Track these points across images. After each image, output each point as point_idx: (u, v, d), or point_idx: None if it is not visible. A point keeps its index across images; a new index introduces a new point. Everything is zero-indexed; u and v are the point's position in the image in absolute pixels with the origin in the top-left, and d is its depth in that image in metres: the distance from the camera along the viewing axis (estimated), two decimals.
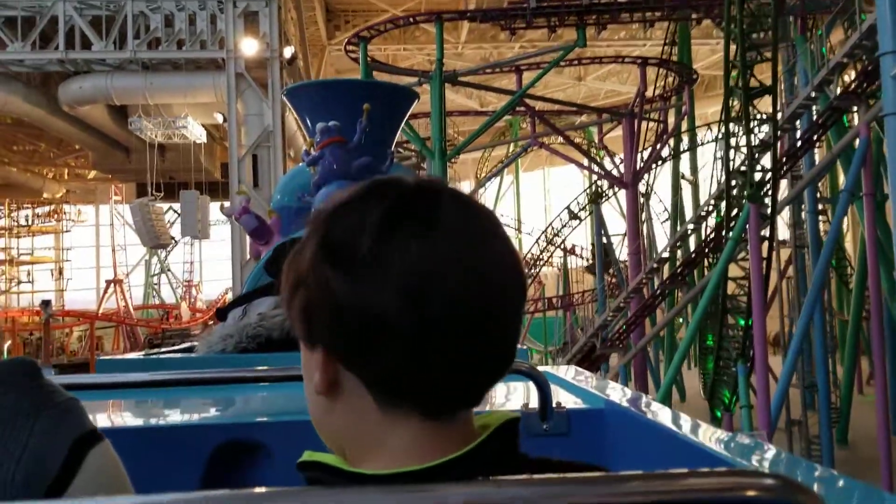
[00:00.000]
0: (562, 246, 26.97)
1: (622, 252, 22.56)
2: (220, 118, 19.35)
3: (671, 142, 19.93)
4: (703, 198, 22.39)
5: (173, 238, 26.18)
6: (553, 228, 26.55)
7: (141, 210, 21.53)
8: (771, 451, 1.15)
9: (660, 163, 20.02)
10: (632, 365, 18.06)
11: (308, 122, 6.29)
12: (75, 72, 18.76)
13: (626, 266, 23.46)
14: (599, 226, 22.49)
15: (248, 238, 7.41)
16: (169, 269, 38.62)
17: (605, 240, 22.55)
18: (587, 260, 30.43)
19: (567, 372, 2.01)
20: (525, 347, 28.92)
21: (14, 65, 18.73)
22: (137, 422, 1.84)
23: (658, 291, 17.12)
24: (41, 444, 0.74)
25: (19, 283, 38.44)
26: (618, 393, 1.69)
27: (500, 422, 0.71)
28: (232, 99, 17.87)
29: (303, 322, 0.69)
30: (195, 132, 20.01)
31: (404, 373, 0.65)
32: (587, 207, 24.59)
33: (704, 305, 12.42)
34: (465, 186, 30.52)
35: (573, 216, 25.50)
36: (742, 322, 11.81)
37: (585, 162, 21.51)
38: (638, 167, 18.47)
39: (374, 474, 0.66)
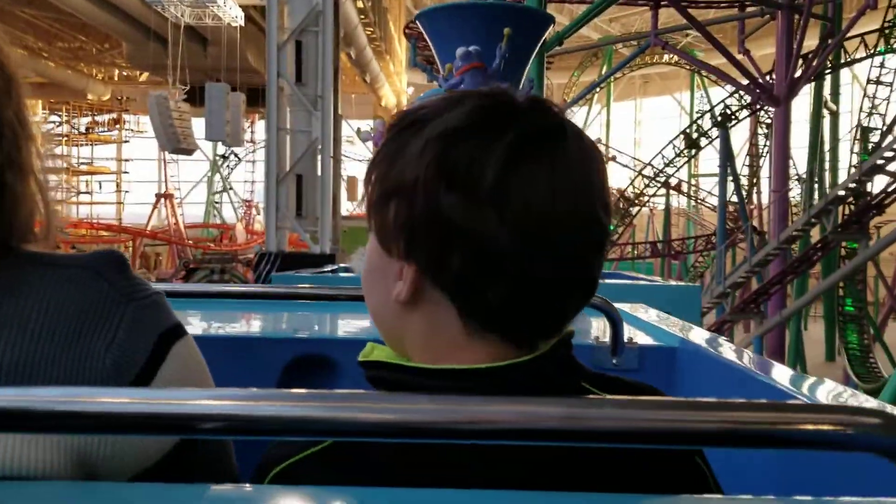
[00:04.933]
0: (668, 182, 22.72)
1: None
2: None
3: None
4: (842, 131, 17.86)
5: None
6: (662, 159, 22.17)
7: (158, 105, 17.73)
8: (865, 399, 0.97)
9: (826, 73, 15.36)
10: (766, 338, 13.91)
11: (440, 45, 6.28)
12: None
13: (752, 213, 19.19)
14: (726, 157, 18.13)
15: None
16: (231, 188, 36.38)
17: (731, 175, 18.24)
18: (697, 200, 26.24)
19: (642, 310, 1.99)
20: None
21: None
22: (216, 331, 1.84)
23: (821, 243, 13.07)
24: (130, 333, 0.73)
25: (78, 193, 36.61)
26: (693, 332, 1.64)
27: (557, 338, 0.70)
28: None
29: (399, 235, 0.68)
30: (231, 13, 16.32)
31: (502, 304, 0.66)
32: (709, 133, 20.19)
33: None
34: None
35: (691, 143, 20.95)
36: None
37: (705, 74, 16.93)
38: (795, 76, 13.96)
39: (438, 369, 0.68)
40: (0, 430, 0.49)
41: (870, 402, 0.88)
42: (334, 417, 0.49)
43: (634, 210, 22.78)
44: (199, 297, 1.81)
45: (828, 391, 1.04)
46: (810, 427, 0.49)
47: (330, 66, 14.24)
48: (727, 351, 1.37)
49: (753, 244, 16.14)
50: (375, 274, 0.72)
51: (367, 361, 0.72)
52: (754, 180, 21.62)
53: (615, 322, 1.43)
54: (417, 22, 6.99)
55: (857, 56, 16.31)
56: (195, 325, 1.81)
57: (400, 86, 29.87)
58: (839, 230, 12.81)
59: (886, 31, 15.69)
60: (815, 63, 14.27)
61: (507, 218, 0.63)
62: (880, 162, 12.45)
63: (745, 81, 14.93)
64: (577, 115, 31.68)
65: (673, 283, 8.93)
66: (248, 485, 0.65)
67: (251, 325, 1.94)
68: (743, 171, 21.13)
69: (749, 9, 15.74)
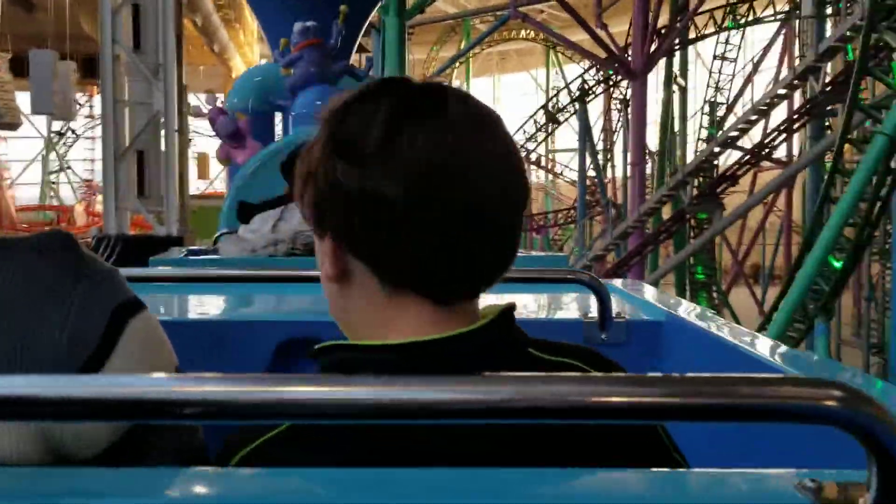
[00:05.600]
0: (528, 157, 22.87)
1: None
2: None
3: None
4: (692, 109, 18.48)
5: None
6: (524, 134, 22.21)
7: None
8: (845, 371, 1.12)
9: (678, 46, 15.64)
10: None
11: (268, 20, 6.70)
12: None
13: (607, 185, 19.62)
14: (585, 132, 18.31)
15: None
16: (69, 167, 33.80)
17: (589, 150, 18.47)
18: (554, 175, 26.68)
19: (626, 284, 1.98)
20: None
21: None
22: (201, 315, 1.84)
23: (678, 215, 13.33)
24: (83, 309, 0.71)
25: None
26: (679, 305, 1.65)
27: (499, 309, 0.73)
28: None
29: (313, 213, 0.72)
30: None
31: (406, 258, 0.68)
32: (567, 108, 20.35)
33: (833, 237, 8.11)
34: None
35: (551, 118, 21.07)
36: (836, 264, 7.95)
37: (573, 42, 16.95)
38: (651, 50, 14.11)
39: (383, 344, 0.70)
40: None
41: (837, 376, 0.91)
42: (288, 400, 0.49)
43: None
44: (178, 282, 1.82)
45: (811, 363, 1.08)
46: (769, 400, 0.49)
47: (172, 31, 13.08)
48: (714, 324, 1.40)
49: (611, 218, 16.43)
50: (319, 262, 0.75)
51: (317, 349, 0.74)
52: (608, 155, 22.11)
53: (601, 296, 1.45)
54: None
55: (707, 32, 16.82)
56: (174, 309, 1.80)
57: (252, 57, 28.52)
58: (695, 202, 13.15)
59: (732, 6, 16.26)
60: (670, 37, 14.52)
61: (393, 174, 0.66)
62: (734, 134, 12.83)
63: (602, 56, 15.05)
64: None
65: (542, 254, 8.82)
66: (217, 467, 0.66)
67: (237, 308, 1.92)
68: (598, 146, 21.54)
69: None
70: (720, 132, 14.29)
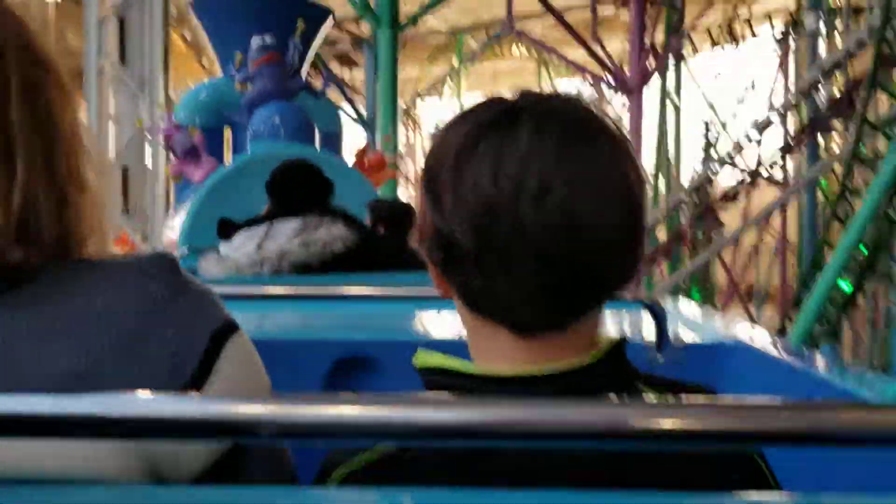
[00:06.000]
0: None
1: None
2: None
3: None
4: (688, 130, 18.23)
5: None
6: None
7: None
8: None
9: (673, 63, 15.39)
10: None
11: (217, 35, 6.29)
12: None
13: None
14: None
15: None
16: None
17: None
18: None
19: (685, 306, 2.00)
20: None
21: None
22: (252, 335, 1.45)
23: (677, 234, 13.03)
24: (182, 330, 0.71)
25: None
26: (740, 328, 1.62)
27: (610, 342, 0.71)
28: None
29: (417, 236, 0.75)
30: None
31: (479, 292, 0.68)
32: None
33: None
34: None
35: None
36: (845, 286, 7.67)
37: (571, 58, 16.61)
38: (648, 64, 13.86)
39: (494, 375, 0.69)
40: (69, 436, 0.51)
41: None
42: (403, 420, 0.49)
43: None
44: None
45: (871, 381, 1.08)
46: (872, 426, 0.49)
47: (159, 44, 12.82)
48: (773, 347, 1.38)
49: None
50: None
51: (425, 368, 0.74)
52: None
53: (658, 318, 1.42)
54: (191, 9, 6.70)
55: (703, 50, 16.63)
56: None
57: None
58: (698, 220, 12.90)
59: (730, 23, 16.09)
60: (665, 53, 14.29)
61: (459, 214, 0.66)
62: (733, 152, 12.60)
63: (598, 71, 14.81)
64: (427, 105, 31.30)
65: None
66: (315, 487, 0.69)
67: (290, 327, 1.88)
68: None
69: None
70: (714, 150, 14.10)
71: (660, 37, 14.87)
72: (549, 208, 0.64)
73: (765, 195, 16.02)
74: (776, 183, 14.51)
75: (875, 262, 7.47)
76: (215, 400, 0.52)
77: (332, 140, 6.90)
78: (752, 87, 16.49)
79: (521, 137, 0.65)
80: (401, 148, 24.85)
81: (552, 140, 0.66)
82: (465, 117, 0.70)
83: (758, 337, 1.51)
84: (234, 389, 0.72)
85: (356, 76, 22.45)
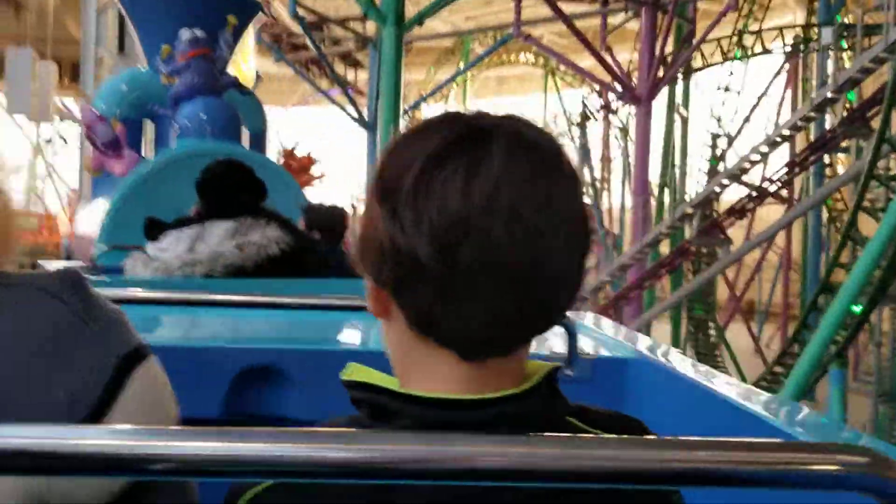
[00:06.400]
0: None
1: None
2: None
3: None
4: (693, 143, 18.00)
5: None
6: None
7: None
8: (814, 416, 1.09)
9: (681, 74, 15.11)
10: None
11: (145, 28, 6.08)
12: None
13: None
14: (584, 158, 17.78)
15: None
16: (55, 174, 33.26)
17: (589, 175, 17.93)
18: None
19: (592, 320, 2.00)
20: None
21: None
22: (160, 340, 1.69)
23: (681, 248, 12.75)
24: (86, 359, 0.70)
25: None
26: (646, 343, 1.68)
27: (545, 369, 0.71)
28: None
29: (358, 252, 0.71)
30: None
31: (434, 315, 0.66)
32: (564, 133, 19.88)
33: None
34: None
35: None
36: (857, 309, 7.41)
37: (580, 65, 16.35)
38: (658, 75, 13.57)
39: (425, 397, 0.67)
40: None
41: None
42: (305, 458, 0.48)
43: None
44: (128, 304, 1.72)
45: (769, 402, 1.10)
46: (796, 467, 0.50)
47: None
48: (680, 363, 1.40)
49: (609, 248, 15.90)
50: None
51: (352, 381, 0.71)
52: (605, 185, 21.66)
53: (570, 333, 1.43)
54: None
55: (713, 61, 16.40)
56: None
57: (246, 71, 28.03)
58: (702, 235, 12.67)
59: (740, 35, 15.84)
60: (677, 63, 14.06)
61: (420, 228, 0.63)
62: (744, 166, 12.37)
63: (606, 80, 14.58)
64: (432, 111, 31.16)
65: None
66: None
67: (194, 333, 1.88)
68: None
69: (612, 6, 15.37)
70: (721, 164, 13.85)
71: (669, 48, 14.67)
72: (519, 234, 0.63)
73: (768, 211, 15.81)
74: (782, 200, 14.31)
75: (888, 285, 7.24)
76: (108, 432, 0.51)
77: (259, 139, 6.74)
78: (760, 102, 16.31)
79: (493, 158, 0.64)
80: None
81: (524, 165, 0.65)
82: (425, 132, 0.68)
83: (663, 353, 1.54)
84: (136, 419, 0.70)
85: (361, 77, 22.26)
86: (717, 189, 12.92)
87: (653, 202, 16.47)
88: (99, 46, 11.87)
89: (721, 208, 14.03)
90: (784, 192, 13.96)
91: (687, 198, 14.22)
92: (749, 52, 15.91)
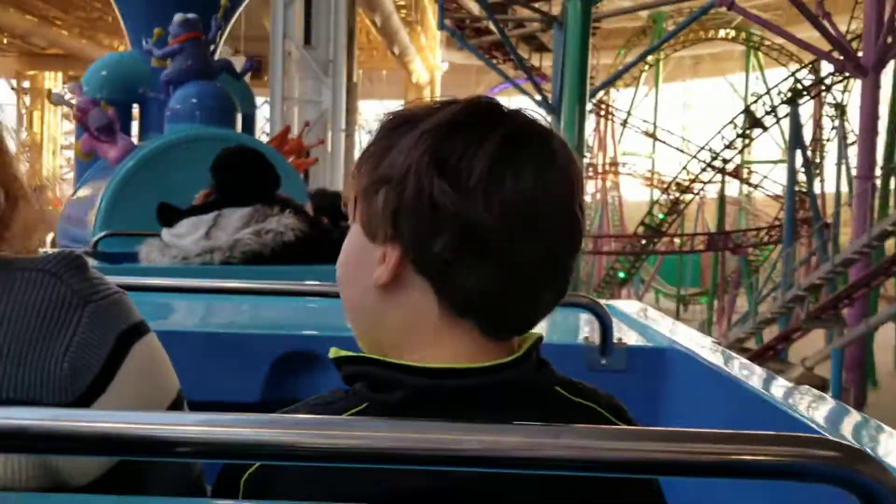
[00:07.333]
0: (724, 168, 20.64)
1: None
2: None
3: None
4: None
5: None
6: (722, 140, 20.03)
7: None
8: (851, 414, 1.06)
9: None
10: (844, 352, 11.66)
11: (133, 9, 6.20)
12: None
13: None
14: (796, 138, 15.97)
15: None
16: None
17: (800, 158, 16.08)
18: (755, 187, 24.09)
19: (632, 308, 1.94)
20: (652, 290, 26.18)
21: None
22: (192, 327, 1.83)
23: None
24: (87, 335, 0.73)
25: None
26: (684, 333, 1.63)
27: (531, 339, 0.74)
28: None
29: (386, 220, 0.71)
30: None
31: (476, 287, 0.69)
32: (773, 112, 18.05)
33: None
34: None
35: (755, 122, 18.72)
36: None
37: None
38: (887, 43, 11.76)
39: (419, 366, 0.69)
40: None
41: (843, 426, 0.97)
42: (296, 442, 0.51)
43: (687, 198, 20.79)
44: (175, 292, 1.80)
45: (808, 399, 1.07)
46: (767, 458, 0.51)
47: (343, 25, 12.58)
48: (715, 354, 1.40)
49: (824, 240, 14.18)
50: (355, 262, 0.76)
51: (347, 357, 0.74)
52: (818, 168, 19.53)
53: (603, 321, 1.45)
54: None
55: None
56: (176, 320, 1.81)
57: (433, 61, 28.09)
58: None
59: None
60: None
61: (493, 205, 0.67)
62: None
63: (823, 50, 12.88)
64: (622, 96, 29.74)
65: None
66: (213, 499, 0.71)
67: (236, 320, 1.92)
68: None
69: None
70: None
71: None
72: (567, 221, 0.71)
73: None
74: None
75: None
76: (101, 416, 0.53)
77: (249, 123, 6.54)
78: None
79: (557, 153, 0.71)
80: (588, 138, 23.62)
81: (573, 163, 0.73)
82: (485, 118, 0.72)
83: (701, 344, 1.51)
84: (133, 396, 0.73)
85: (545, 63, 21.53)
86: None
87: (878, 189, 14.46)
88: (286, 39, 11.99)
89: None
90: None
91: None
92: None
